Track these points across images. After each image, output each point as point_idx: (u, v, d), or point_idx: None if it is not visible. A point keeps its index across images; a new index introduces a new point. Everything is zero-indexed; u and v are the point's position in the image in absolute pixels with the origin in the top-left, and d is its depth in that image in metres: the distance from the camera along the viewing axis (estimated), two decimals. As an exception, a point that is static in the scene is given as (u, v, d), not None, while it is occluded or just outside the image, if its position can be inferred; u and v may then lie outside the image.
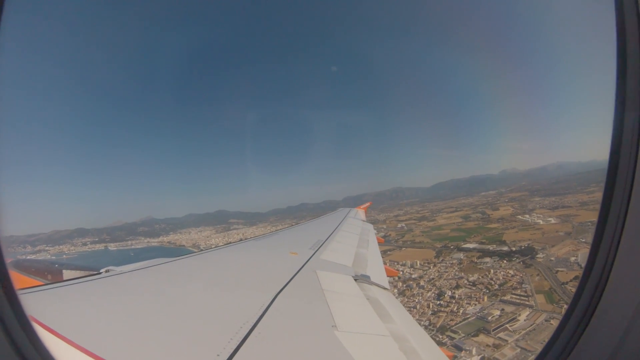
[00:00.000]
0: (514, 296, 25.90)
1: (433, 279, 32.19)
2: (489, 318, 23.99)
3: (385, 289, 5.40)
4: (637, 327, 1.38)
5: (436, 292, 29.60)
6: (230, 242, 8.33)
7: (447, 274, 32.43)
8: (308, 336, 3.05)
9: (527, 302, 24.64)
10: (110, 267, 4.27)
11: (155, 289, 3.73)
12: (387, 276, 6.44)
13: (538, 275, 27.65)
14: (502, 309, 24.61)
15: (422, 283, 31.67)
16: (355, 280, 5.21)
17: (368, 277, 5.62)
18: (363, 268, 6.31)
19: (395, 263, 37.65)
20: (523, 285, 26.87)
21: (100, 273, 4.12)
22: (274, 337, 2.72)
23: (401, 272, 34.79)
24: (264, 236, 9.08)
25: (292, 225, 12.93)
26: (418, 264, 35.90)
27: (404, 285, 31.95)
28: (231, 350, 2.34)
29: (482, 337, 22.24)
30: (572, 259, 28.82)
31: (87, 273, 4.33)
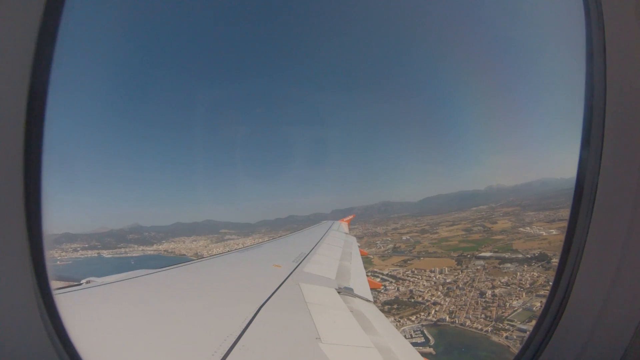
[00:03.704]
0: (546, 291, 35.01)
1: (467, 282, 40.15)
2: (534, 308, 32.66)
3: (368, 301, 5.88)
4: (601, 327, 1.71)
5: (477, 292, 37.85)
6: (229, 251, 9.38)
7: (478, 277, 40.75)
8: (292, 349, 3.37)
9: (559, 295, 33.94)
10: (91, 278, 4.49)
11: (138, 302, 3.92)
12: (370, 288, 7.02)
13: (559, 275, 37.27)
14: (541, 301, 33.55)
15: (460, 285, 39.87)
16: (339, 292, 5.65)
17: (351, 289, 6.09)
18: (346, 280, 6.86)
19: (423, 270, 44.68)
20: (550, 283, 36.21)
21: (81, 284, 4.30)
22: (257, 350, 2.97)
23: (435, 278, 42.80)
24: (247, 248, 9.65)
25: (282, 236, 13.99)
26: (447, 270, 43.72)
27: (445, 288, 39.90)
28: None
29: (535, 322, 30.91)
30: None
31: (67, 284, 4.45)
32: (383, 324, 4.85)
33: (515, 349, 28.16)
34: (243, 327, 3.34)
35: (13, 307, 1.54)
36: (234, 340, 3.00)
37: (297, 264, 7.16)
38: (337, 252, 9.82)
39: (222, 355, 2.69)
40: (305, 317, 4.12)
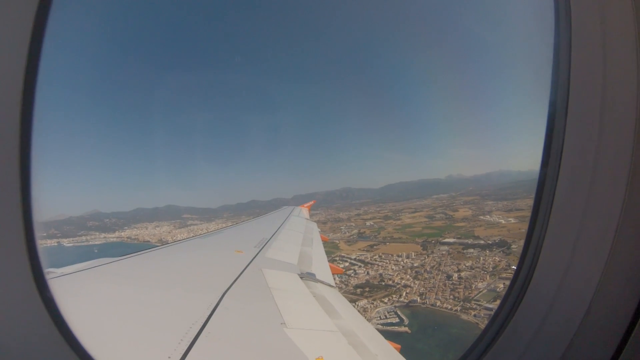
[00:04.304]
0: (508, 274, 38.00)
1: (434, 266, 42.48)
2: (497, 290, 35.52)
3: (330, 286, 6.09)
4: (558, 306, 1.84)
5: (444, 275, 40.30)
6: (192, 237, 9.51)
7: (444, 262, 43.28)
8: (258, 334, 3.44)
9: (520, 277, 37.17)
10: (50, 269, 4.30)
11: (99, 292, 3.91)
12: (332, 274, 7.22)
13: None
14: (504, 283, 36.54)
15: (427, 269, 42.20)
16: (301, 278, 5.80)
17: (313, 275, 6.27)
18: (308, 266, 7.02)
19: (390, 255, 46.49)
20: (511, 267, 39.39)
21: None
22: (224, 337, 3.03)
23: (403, 262, 44.87)
24: (209, 234, 9.85)
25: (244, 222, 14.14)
26: (413, 255, 45.90)
27: (413, 272, 42.08)
28: (182, 352, 2.57)
29: (499, 301, 33.77)
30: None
31: None
32: (346, 308, 5.02)
33: (484, 325, 30.69)
34: (208, 314, 3.37)
35: (14, 298, 1.61)
36: (200, 327, 3.04)
37: (259, 250, 7.26)
38: (298, 237, 10.01)
39: (189, 343, 2.73)
40: (269, 303, 4.22)
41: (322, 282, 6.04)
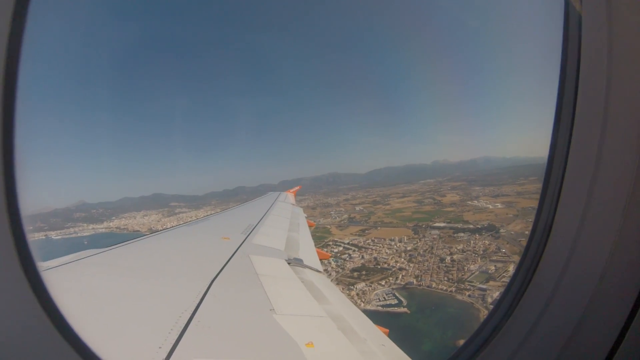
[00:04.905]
0: (498, 257, 40.37)
1: (427, 249, 44.36)
2: (489, 271, 37.75)
3: (318, 271, 6.20)
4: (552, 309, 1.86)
5: (437, 258, 42.26)
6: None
7: (436, 245, 45.14)
8: (248, 321, 3.47)
9: (510, 260, 39.03)
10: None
11: (87, 283, 3.87)
12: (320, 259, 7.27)
13: (508, 244, 42.59)
14: (495, 265, 38.85)
15: (421, 252, 44.13)
16: (289, 263, 5.93)
17: (301, 260, 6.40)
18: (295, 252, 7.08)
19: (383, 239, 48.31)
20: (501, 250, 41.79)
21: None
22: (214, 324, 3.04)
23: (396, 246, 46.68)
24: (195, 222, 9.79)
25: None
26: (405, 239, 47.55)
27: (407, 255, 43.98)
28: (173, 341, 2.58)
29: (491, 283, 35.78)
30: (526, 233, 45.51)
31: None
32: (334, 293, 5.08)
33: (478, 304, 32.87)
34: (197, 302, 3.39)
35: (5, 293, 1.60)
36: (189, 316, 3.05)
37: (245, 236, 7.25)
38: (285, 223, 10.04)
39: (179, 332, 2.75)
40: (257, 289, 4.25)
41: (309, 267, 6.17)
